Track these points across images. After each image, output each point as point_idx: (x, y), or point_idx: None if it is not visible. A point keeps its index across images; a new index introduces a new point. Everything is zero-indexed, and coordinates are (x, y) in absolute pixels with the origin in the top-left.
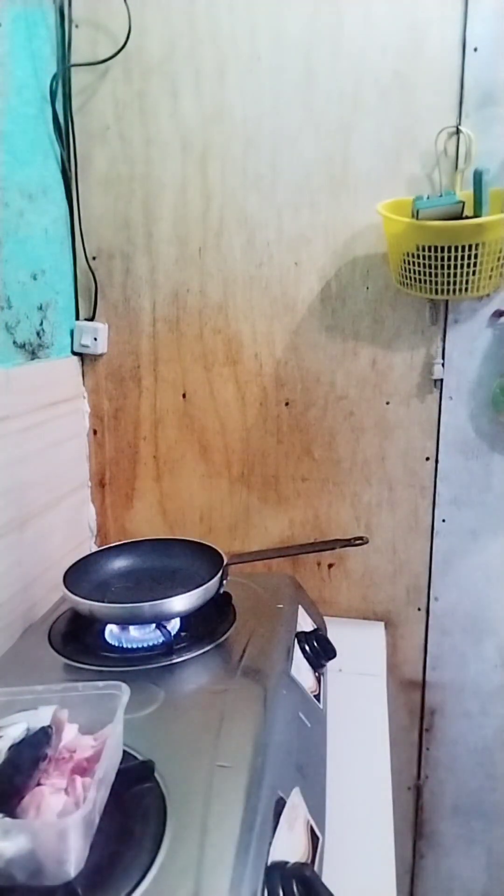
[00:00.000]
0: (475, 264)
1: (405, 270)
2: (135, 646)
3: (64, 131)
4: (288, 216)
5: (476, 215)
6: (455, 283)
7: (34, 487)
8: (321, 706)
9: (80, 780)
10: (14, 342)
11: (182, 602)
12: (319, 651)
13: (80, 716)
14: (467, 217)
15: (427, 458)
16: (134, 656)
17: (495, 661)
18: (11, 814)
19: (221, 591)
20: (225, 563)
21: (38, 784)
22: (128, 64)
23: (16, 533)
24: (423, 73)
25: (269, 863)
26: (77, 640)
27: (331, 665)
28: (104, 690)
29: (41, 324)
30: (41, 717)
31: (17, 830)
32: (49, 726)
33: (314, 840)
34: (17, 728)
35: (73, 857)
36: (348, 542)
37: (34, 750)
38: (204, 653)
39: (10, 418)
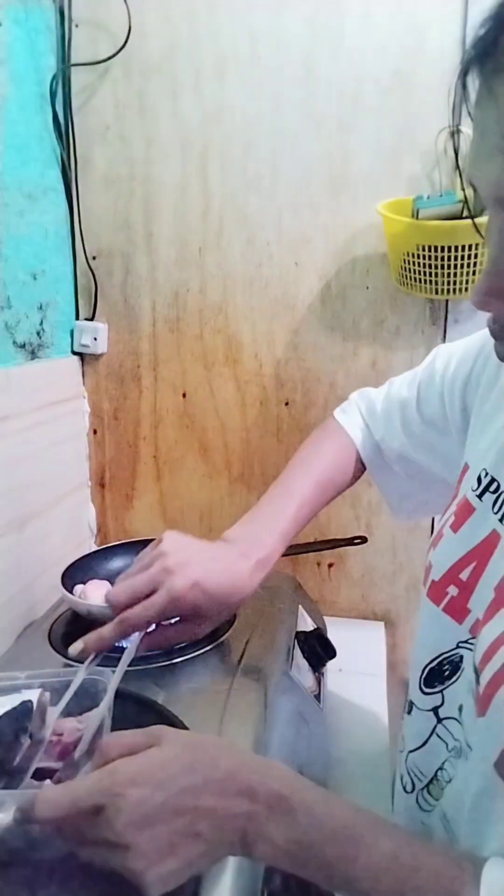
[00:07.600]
0: (475, 264)
1: (405, 270)
2: None
3: (64, 131)
4: (288, 216)
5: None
6: (455, 283)
7: (34, 487)
8: (321, 706)
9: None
10: (14, 342)
11: None
12: (319, 651)
13: (62, 701)
14: (467, 217)
15: None
16: (134, 656)
17: None
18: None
19: None
20: None
21: (29, 768)
22: (128, 64)
23: (15, 533)
24: (423, 73)
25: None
26: (77, 639)
27: (331, 665)
28: (86, 676)
29: (41, 323)
30: (25, 700)
31: (11, 801)
32: (29, 700)
33: None
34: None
35: None
36: (348, 542)
37: (15, 722)
38: (204, 653)
39: (10, 418)
